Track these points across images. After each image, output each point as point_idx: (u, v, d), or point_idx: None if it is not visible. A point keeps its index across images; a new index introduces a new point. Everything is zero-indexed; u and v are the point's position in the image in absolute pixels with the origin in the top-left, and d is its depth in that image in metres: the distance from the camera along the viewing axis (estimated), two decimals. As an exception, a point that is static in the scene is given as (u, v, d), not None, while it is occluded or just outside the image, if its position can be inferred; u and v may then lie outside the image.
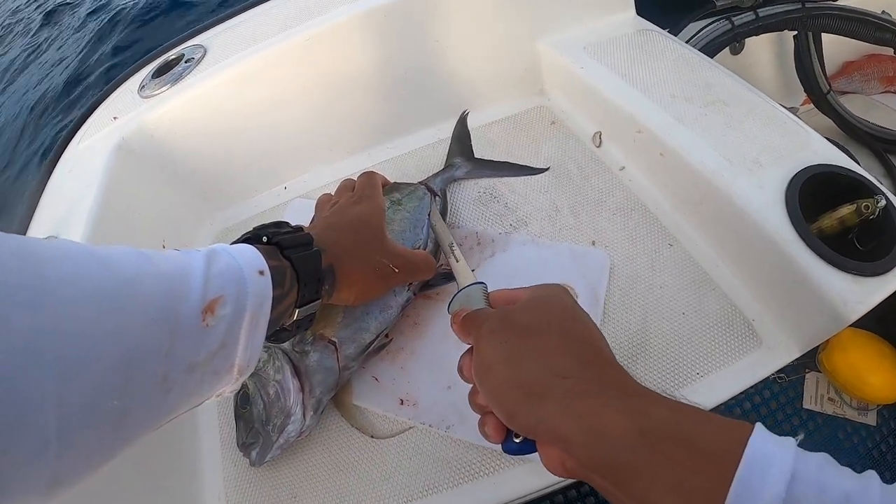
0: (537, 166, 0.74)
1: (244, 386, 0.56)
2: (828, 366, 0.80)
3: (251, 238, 0.45)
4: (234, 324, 0.37)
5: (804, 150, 0.58)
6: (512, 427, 0.36)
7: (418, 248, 0.64)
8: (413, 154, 0.82)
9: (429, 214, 0.67)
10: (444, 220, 0.69)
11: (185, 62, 0.75)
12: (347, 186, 0.63)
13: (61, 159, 0.73)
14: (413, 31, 0.76)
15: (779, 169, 0.57)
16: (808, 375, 0.85)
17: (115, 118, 0.73)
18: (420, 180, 0.73)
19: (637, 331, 0.59)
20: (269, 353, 0.57)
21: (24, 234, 0.67)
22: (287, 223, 0.49)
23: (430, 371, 0.60)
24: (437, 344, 0.61)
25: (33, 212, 0.69)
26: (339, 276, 0.49)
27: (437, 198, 0.69)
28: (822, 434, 0.82)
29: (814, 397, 0.84)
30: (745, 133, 0.61)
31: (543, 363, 0.35)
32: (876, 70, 1.10)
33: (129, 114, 0.73)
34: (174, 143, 0.72)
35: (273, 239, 0.45)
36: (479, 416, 0.40)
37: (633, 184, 0.70)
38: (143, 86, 0.76)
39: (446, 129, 0.82)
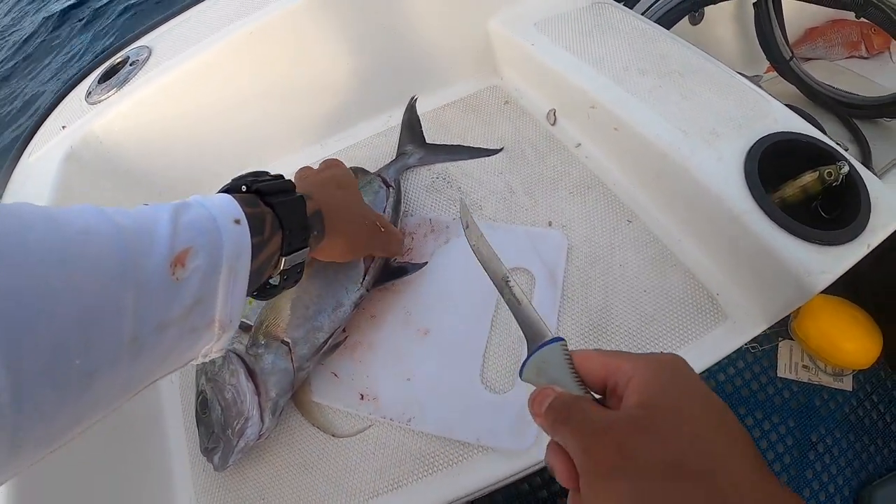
0: (492, 147, 0.69)
1: (203, 392, 0.53)
2: (800, 334, 0.76)
3: (230, 189, 0.40)
4: (209, 276, 0.33)
5: (763, 118, 0.53)
6: None
7: None
8: (366, 142, 0.77)
9: (384, 207, 0.62)
10: (399, 209, 0.64)
11: (130, 65, 0.70)
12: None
13: (14, 173, 0.69)
14: (359, 16, 0.71)
15: (737, 139, 0.52)
16: (781, 344, 0.81)
17: (63, 127, 0.68)
18: (374, 171, 0.68)
19: (598, 312, 0.54)
20: (225, 358, 0.53)
21: None
22: (266, 172, 0.44)
23: (389, 364, 0.55)
24: (394, 337, 0.57)
25: None
26: (327, 224, 0.45)
27: (391, 189, 0.64)
28: (798, 402, 0.78)
29: (788, 365, 0.80)
30: (701, 104, 0.56)
31: None
32: (839, 35, 1.03)
33: (76, 122, 0.68)
34: (124, 148, 0.67)
35: (252, 186, 0.40)
36: None
37: (589, 161, 0.65)
38: (90, 92, 0.70)
39: (399, 116, 0.76)
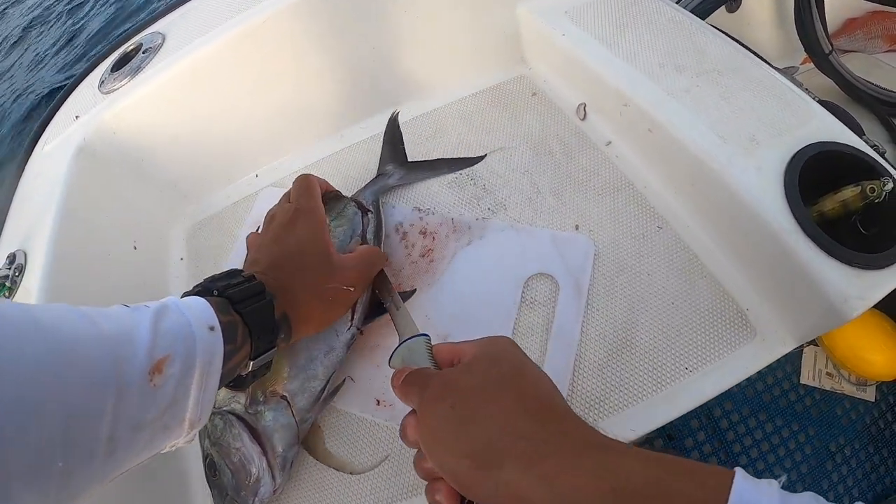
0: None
1: (209, 455, 0.51)
2: (826, 341, 0.74)
3: (202, 291, 0.42)
4: (182, 381, 0.35)
5: (805, 125, 0.50)
6: (468, 497, 0.32)
7: None
8: (378, 137, 0.73)
9: (361, 234, 0.60)
10: (381, 234, 0.61)
11: (143, 52, 0.67)
12: (283, 199, 0.55)
13: (28, 164, 0.67)
14: (382, 1, 0.68)
15: (777, 147, 0.49)
16: (805, 350, 0.79)
17: (76, 117, 0.66)
18: (352, 194, 0.64)
19: (623, 323, 0.52)
20: (225, 421, 0.51)
21: None
22: (239, 272, 0.45)
23: (408, 371, 0.54)
24: (413, 342, 0.56)
25: (2, 225, 0.64)
26: (293, 319, 0.46)
27: (369, 213, 0.61)
28: (819, 410, 0.76)
29: (812, 372, 0.78)
30: (740, 106, 0.53)
31: (496, 427, 0.31)
32: (880, 27, 0.98)
33: (90, 112, 0.66)
34: (138, 138, 0.65)
35: (224, 293, 0.42)
36: (427, 483, 0.36)
37: (620, 161, 0.62)
38: (103, 81, 0.68)
39: (423, 105, 0.74)
